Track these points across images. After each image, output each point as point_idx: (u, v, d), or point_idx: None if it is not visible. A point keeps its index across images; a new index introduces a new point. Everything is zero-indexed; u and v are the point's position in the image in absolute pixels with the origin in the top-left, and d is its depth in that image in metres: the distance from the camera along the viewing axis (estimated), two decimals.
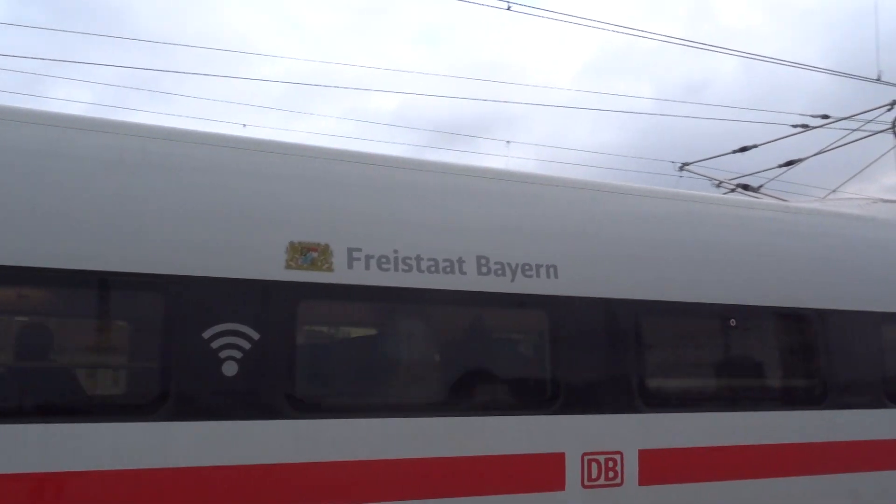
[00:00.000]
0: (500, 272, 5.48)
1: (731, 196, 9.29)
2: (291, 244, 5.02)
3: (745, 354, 6.64)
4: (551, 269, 5.64)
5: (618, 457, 5.63)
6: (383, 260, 5.17)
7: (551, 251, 5.70)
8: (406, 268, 5.23)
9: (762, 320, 6.54)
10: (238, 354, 4.76)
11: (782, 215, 7.22)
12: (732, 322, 6.34)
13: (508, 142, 35.09)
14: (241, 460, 4.71)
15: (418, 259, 5.27)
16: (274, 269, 4.92)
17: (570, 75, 66.74)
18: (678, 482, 5.80)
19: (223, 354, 4.73)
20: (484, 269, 5.44)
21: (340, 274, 5.06)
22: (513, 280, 5.51)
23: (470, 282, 5.38)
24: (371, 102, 62.72)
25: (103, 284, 4.79)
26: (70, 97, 32.66)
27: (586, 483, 5.51)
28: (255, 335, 4.80)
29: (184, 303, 4.74)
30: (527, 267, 5.56)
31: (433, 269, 5.30)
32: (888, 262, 7.08)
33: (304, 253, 5.05)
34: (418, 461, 5.08)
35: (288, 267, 4.97)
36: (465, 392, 5.61)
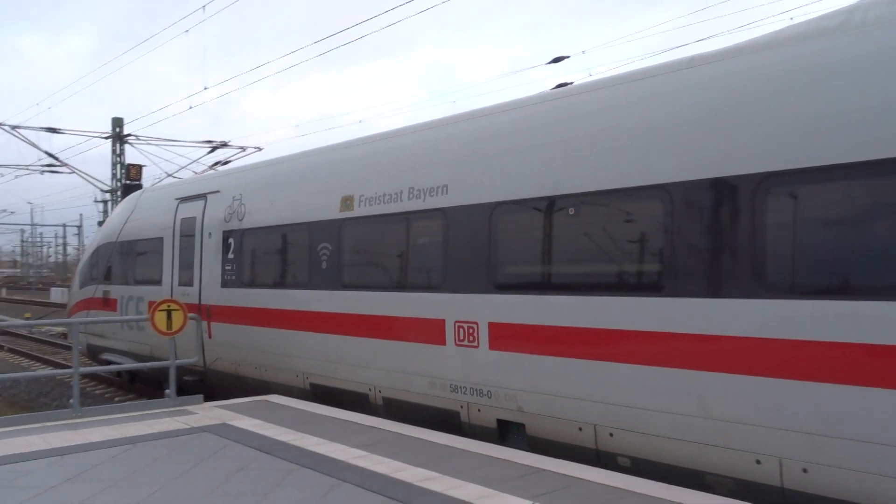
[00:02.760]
0: (417, 196, 8.35)
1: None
2: (342, 197, 9.35)
3: (581, 243, 6.78)
4: (444, 189, 8.06)
5: (475, 326, 7.49)
6: (373, 199, 8.96)
7: (443, 176, 8.11)
8: (379, 202, 8.86)
9: (597, 206, 6.62)
10: (326, 257, 9.52)
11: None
12: (571, 210, 6.81)
13: None
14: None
15: (384, 196, 8.78)
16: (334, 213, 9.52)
17: None
18: (518, 351, 7.14)
19: (322, 257, 9.60)
20: (411, 196, 8.44)
21: (356, 211, 9.09)
22: (423, 200, 8.26)
23: (403, 205, 8.51)
24: None
25: None
26: None
27: (457, 342, 7.73)
28: (332, 248, 9.47)
29: (311, 234, 9.85)
30: (432, 189, 8.18)
31: (388, 199, 8.72)
32: None
33: (345, 201, 9.27)
34: (380, 317, 8.74)
35: (340, 210, 9.37)
36: (403, 277, 8.56)
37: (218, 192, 12.23)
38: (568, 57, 17.43)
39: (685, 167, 5.96)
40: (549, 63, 17.36)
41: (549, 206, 6.92)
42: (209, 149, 29.68)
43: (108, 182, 30.96)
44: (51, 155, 29.78)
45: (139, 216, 14.73)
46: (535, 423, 6.95)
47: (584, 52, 28.77)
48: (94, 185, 31.47)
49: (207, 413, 8.39)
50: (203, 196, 12.53)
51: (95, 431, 7.51)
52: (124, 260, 14.75)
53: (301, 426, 7.58)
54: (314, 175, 10.10)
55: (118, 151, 30.81)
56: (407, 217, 8.46)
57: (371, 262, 8.99)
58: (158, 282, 13.40)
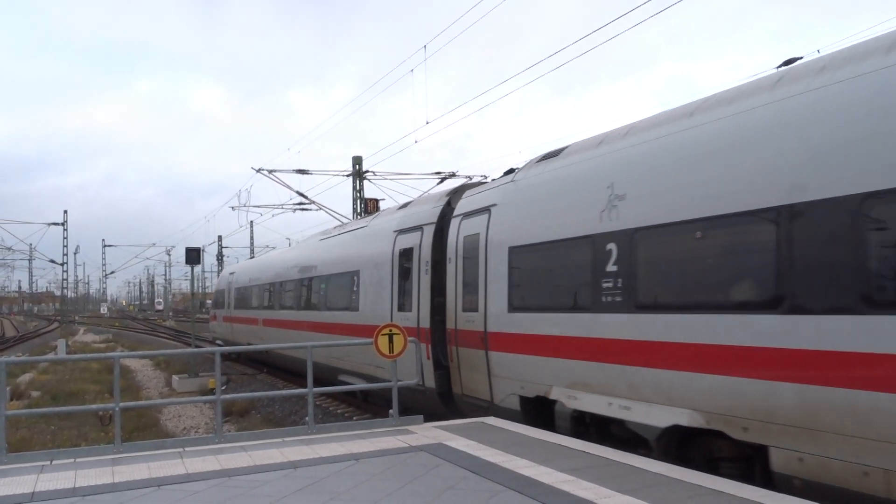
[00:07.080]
0: None
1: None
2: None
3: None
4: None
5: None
6: None
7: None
8: None
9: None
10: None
11: None
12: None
13: None
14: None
15: None
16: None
17: None
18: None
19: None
20: None
21: None
22: None
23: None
24: None
25: None
26: None
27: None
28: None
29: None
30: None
31: None
32: None
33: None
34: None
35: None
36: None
37: (235, 272, 30.81)
38: (800, 58, 17.01)
39: None
40: (779, 67, 16.91)
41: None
42: (438, 180, 31.12)
43: (350, 216, 33.50)
44: (301, 194, 32.81)
45: (224, 278, 33.46)
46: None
47: (818, 51, 27.10)
48: (338, 220, 34.19)
49: (426, 433, 8.73)
50: (233, 272, 30.98)
51: (325, 447, 8.11)
52: (219, 298, 33.41)
53: (512, 448, 7.63)
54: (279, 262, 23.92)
55: (357, 187, 33.26)
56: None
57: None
58: (223, 307, 31.65)
